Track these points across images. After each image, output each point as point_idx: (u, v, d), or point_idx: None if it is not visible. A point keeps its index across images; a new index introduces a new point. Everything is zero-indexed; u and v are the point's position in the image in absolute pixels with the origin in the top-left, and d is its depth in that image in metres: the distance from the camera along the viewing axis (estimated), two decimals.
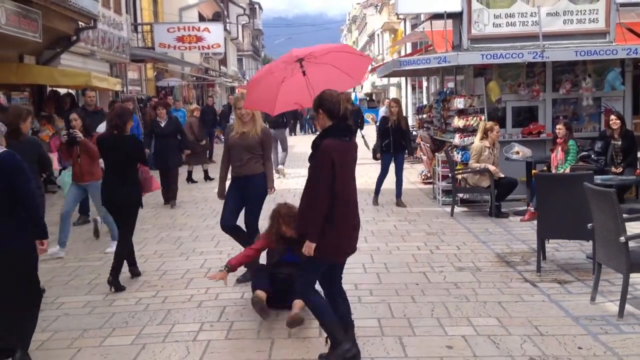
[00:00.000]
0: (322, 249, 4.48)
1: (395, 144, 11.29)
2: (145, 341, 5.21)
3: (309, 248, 4.47)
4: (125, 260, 6.90)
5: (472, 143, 10.45)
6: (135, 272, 7.14)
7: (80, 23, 15.34)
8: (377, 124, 23.59)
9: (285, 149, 17.40)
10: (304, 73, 5.50)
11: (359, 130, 20.60)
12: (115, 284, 6.59)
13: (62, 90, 15.71)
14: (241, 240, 6.82)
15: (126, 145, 6.76)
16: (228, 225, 6.77)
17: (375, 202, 11.52)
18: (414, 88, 33.14)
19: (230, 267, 5.82)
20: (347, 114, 4.57)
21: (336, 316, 4.66)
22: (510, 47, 11.17)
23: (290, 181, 15.06)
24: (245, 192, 6.70)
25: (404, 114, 11.57)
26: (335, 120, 4.55)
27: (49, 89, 15.19)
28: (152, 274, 7.25)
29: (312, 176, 4.53)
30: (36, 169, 6.65)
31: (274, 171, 7.36)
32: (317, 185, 4.47)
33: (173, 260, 7.83)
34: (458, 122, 11.06)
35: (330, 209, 4.45)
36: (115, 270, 6.65)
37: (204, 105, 26.86)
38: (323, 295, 4.83)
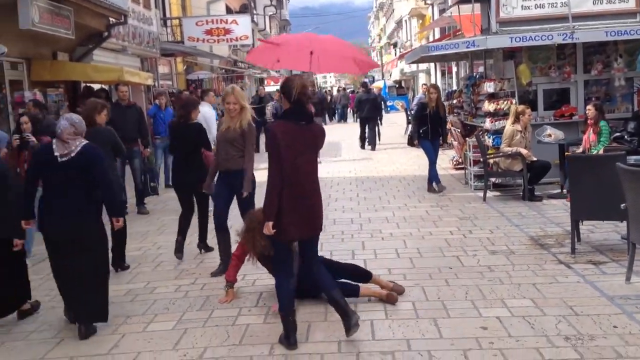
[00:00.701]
0: (275, 228, 4.68)
1: (432, 131, 11.11)
2: (187, 326, 5.37)
3: (266, 227, 4.69)
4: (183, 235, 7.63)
5: (504, 127, 10.41)
6: (207, 248, 7.81)
7: (111, 19, 15.57)
8: (410, 110, 23.84)
9: None
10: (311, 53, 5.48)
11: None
12: (205, 247, 7.79)
13: (96, 86, 15.98)
14: (222, 247, 6.82)
15: (192, 132, 7.44)
16: (221, 218, 6.73)
17: (441, 188, 11.06)
18: (443, 74, 32.95)
19: (231, 283, 6.00)
20: (302, 99, 4.73)
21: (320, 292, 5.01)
22: (539, 29, 11.09)
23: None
24: (233, 187, 6.62)
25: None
26: (291, 105, 4.72)
27: (82, 85, 15.46)
28: (190, 262, 7.42)
29: (268, 157, 4.73)
30: (112, 155, 7.26)
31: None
32: (269, 167, 4.69)
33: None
34: (488, 106, 11.03)
35: (281, 191, 4.66)
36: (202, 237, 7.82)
37: None
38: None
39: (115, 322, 5.56)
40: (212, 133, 9.14)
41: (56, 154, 5.17)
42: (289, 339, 4.84)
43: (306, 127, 4.78)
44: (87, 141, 5.34)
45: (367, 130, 19.73)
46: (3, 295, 5.58)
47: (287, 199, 4.67)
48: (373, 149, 19.23)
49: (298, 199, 4.72)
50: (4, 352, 5.07)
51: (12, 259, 5.64)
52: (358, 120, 20.62)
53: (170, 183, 9.50)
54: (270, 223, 4.67)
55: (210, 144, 7.79)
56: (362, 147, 19.68)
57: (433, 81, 34.49)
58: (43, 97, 12.84)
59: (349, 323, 4.80)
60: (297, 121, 4.74)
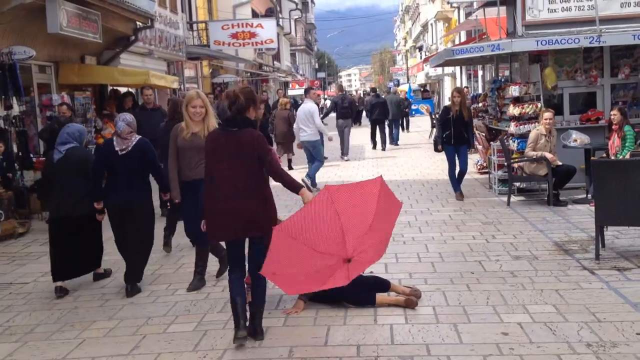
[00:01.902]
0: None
1: (456, 136, 10.76)
2: (207, 328, 5.41)
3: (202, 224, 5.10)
4: None
5: (528, 131, 10.32)
6: None
7: (138, 23, 15.78)
8: (435, 114, 24.08)
9: (347, 140, 17.83)
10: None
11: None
12: None
13: (122, 89, 16.17)
14: (200, 261, 6.62)
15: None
16: (196, 233, 6.25)
17: (460, 197, 10.88)
18: (469, 77, 32.77)
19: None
20: (238, 108, 4.98)
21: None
22: (566, 32, 10.98)
23: (344, 172, 15.11)
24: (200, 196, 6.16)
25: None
26: (230, 113, 5.05)
27: (109, 88, 15.67)
28: (211, 264, 7.44)
29: None
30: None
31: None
32: None
33: None
34: (513, 110, 10.93)
35: (206, 192, 5.02)
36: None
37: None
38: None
39: (137, 323, 5.62)
40: (317, 124, 12.40)
41: (117, 148, 6.40)
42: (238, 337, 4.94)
43: (234, 134, 4.96)
44: (140, 136, 6.56)
45: (377, 131, 20.92)
46: (81, 257, 6.77)
47: (209, 200, 4.99)
48: (383, 149, 20.45)
49: (219, 201, 4.94)
50: (26, 351, 5.14)
51: (91, 230, 6.80)
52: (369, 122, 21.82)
53: None
54: (203, 221, 5.05)
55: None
56: (374, 147, 20.85)
57: (459, 84, 34.33)
58: (71, 100, 13.03)
59: (235, 334, 4.94)
60: (228, 128, 5.01)
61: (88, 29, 12.77)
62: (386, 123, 21.46)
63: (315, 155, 12.80)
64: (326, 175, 14.65)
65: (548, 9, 11.39)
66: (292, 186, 5.05)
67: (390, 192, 5.55)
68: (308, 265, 4.97)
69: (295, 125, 13.24)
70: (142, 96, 11.83)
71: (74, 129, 6.93)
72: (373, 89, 26.32)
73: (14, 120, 11.33)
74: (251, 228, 4.99)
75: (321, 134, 12.85)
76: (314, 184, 12.52)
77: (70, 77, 13.72)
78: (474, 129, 13.44)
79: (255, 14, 33.38)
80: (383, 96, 24.69)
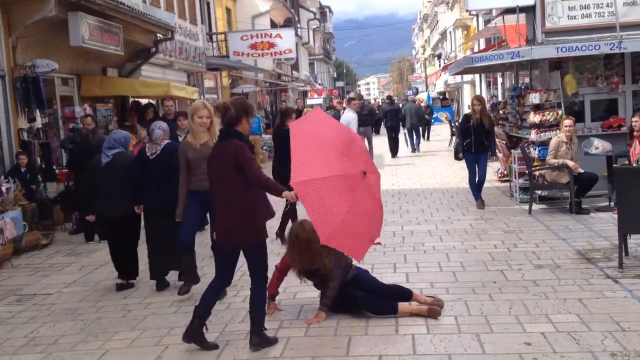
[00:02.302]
0: None
1: (476, 144, 10.69)
2: (228, 338, 5.42)
3: None
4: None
5: (549, 139, 10.25)
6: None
7: (158, 35, 15.94)
8: (454, 122, 24.10)
9: (371, 148, 17.87)
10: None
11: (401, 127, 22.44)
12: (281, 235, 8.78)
13: (143, 101, 16.33)
14: (189, 267, 6.65)
15: (287, 136, 8.33)
16: (190, 239, 6.61)
17: (481, 205, 10.79)
18: (488, 85, 32.62)
19: (273, 295, 6.03)
20: (228, 120, 5.10)
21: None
22: (586, 39, 10.91)
23: None
24: (210, 206, 5.99)
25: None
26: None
27: (131, 100, 15.83)
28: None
29: None
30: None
31: None
32: None
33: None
34: (534, 117, 10.88)
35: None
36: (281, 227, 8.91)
37: (277, 111, 27.37)
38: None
39: (159, 333, 5.65)
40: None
41: (148, 153, 6.95)
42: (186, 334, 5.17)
43: (223, 145, 5.08)
44: (169, 140, 7.07)
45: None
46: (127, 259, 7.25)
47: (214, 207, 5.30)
48: (393, 156, 20.93)
49: (215, 209, 5.26)
50: None
51: (130, 234, 7.26)
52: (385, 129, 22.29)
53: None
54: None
55: None
56: (394, 155, 21.03)
57: (478, 92, 34.17)
58: (93, 112, 13.19)
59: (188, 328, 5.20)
60: (221, 141, 5.17)
61: (109, 42, 12.93)
62: (402, 131, 21.89)
63: None
64: None
65: (568, 16, 11.34)
66: (275, 190, 5.13)
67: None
68: (341, 186, 5.11)
69: None
70: (163, 107, 11.96)
71: (120, 135, 7.41)
72: (389, 97, 26.63)
73: (37, 133, 11.49)
74: (231, 237, 5.09)
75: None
76: None
77: (93, 89, 13.90)
78: (495, 137, 13.38)
79: (274, 24, 33.54)
80: (401, 104, 24.91)
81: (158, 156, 6.89)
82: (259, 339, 5.13)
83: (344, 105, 13.77)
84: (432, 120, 33.75)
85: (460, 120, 12.92)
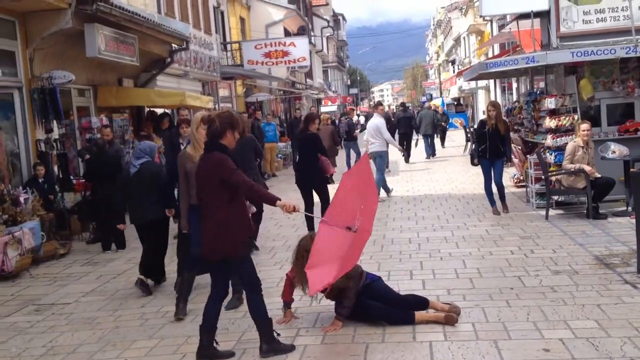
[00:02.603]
0: None
1: (491, 150, 10.64)
2: (246, 346, 5.43)
3: None
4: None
5: (565, 144, 10.19)
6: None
7: (173, 45, 16.06)
8: (469, 128, 24.19)
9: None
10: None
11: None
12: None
13: (159, 110, 16.44)
14: (185, 288, 6.59)
15: (311, 141, 9.55)
16: (197, 262, 6.45)
17: (495, 211, 10.77)
18: (503, 90, 32.50)
19: (288, 303, 6.08)
20: (220, 132, 5.13)
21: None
22: (601, 43, 10.87)
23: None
24: None
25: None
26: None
27: (146, 109, 15.95)
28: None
29: None
30: (254, 157, 8.86)
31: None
32: None
33: (267, 270, 8.04)
34: (550, 122, 10.83)
35: None
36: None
37: (291, 118, 27.44)
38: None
39: (176, 342, 5.68)
40: (385, 137, 13.13)
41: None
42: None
43: (206, 158, 5.13)
44: (149, 158, 7.42)
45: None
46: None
47: None
48: (407, 161, 21.25)
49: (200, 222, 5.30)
50: None
51: (159, 236, 7.56)
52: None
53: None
54: None
55: (326, 151, 9.95)
56: (406, 161, 21.35)
57: (493, 97, 34.05)
58: (109, 122, 13.30)
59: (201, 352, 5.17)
60: (205, 154, 5.21)
61: (125, 52, 13.04)
62: (414, 137, 22.45)
63: (378, 165, 13.26)
64: None
65: (583, 20, 11.30)
66: (267, 199, 5.14)
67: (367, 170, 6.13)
68: (340, 248, 5.38)
69: (365, 137, 14.04)
70: (179, 116, 12.01)
71: (145, 146, 7.74)
72: (402, 104, 27.03)
73: (54, 144, 11.61)
74: (209, 251, 5.13)
75: (388, 145, 13.62)
76: (388, 189, 13.80)
77: (109, 100, 14.01)
78: (510, 143, 13.31)
79: (287, 33, 33.68)
80: (415, 111, 25.12)
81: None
82: (268, 347, 5.15)
83: (358, 111, 14.47)
84: (448, 127, 33.74)
85: (475, 126, 12.89)
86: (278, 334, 5.27)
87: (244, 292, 5.40)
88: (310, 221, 9.30)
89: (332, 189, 7.83)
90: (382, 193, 13.03)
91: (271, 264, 8.37)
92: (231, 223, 5.03)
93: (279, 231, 10.63)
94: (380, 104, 14.65)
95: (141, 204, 7.36)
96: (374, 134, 13.27)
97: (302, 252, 5.79)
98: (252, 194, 5.19)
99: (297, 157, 10.02)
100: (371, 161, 12.93)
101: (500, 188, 10.94)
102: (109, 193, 9.97)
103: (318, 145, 9.63)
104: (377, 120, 13.31)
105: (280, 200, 5.03)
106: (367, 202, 5.71)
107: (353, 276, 5.79)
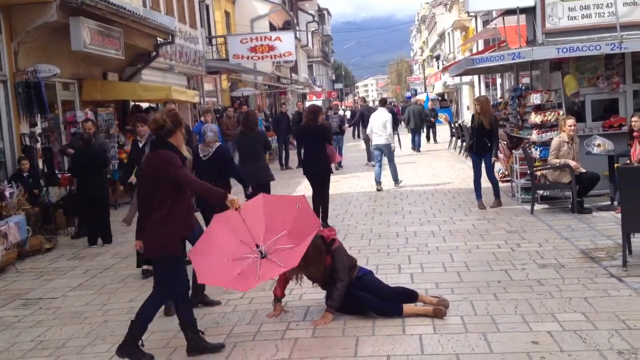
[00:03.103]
0: None
1: (478, 144, 10.75)
2: (236, 340, 5.44)
3: None
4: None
5: (551, 139, 10.28)
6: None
7: (159, 39, 15.98)
8: (454, 123, 24.38)
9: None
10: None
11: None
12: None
13: (144, 105, 16.36)
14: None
15: (318, 131, 9.92)
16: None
17: (481, 205, 10.85)
18: (487, 85, 32.69)
19: (279, 298, 6.08)
20: (165, 133, 5.10)
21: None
22: (586, 39, 10.96)
23: (365, 183, 15.08)
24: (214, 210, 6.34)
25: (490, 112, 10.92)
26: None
27: (131, 103, 15.85)
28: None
29: None
30: (262, 149, 9.73)
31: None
32: None
33: None
34: (535, 118, 10.91)
35: None
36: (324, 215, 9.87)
37: (277, 113, 27.37)
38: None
39: (167, 336, 5.67)
40: (388, 132, 13.96)
41: (201, 155, 7.57)
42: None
43: (152, 156, 5.14)
44: (220, 143, 7.72)
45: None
46: None
47: None
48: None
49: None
50: None
51: None
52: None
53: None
54: None
55: (332, 140, 10.54)
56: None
57: (477, 93, 34.23)
58: (94, 116, 13.21)
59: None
60: (150, 151, 5.26)
61: (111, 46, 12.96)
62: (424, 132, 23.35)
63: (388, 155, 14.19)
64: (346, 185, 14.68)
65: (568, 17, 11.38)
66: (215, 195, 5.18)
67: (310, 210, 6.17)
68: (227, 254, 5.47)
69: (368, 130, 15.03)
70: (164, 111, 11.95)
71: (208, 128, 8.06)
72: (382, 99, 26.97)
73: (39, 137, 11.51)
74: (147, 250, 5.17)
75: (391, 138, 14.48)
76: (397, 179, 14.40)
77: (93, 94, 13.92)
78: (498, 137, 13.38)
79: (272, 27, 33.60)
80: (400, 106, 25.34)
81: (210, 158, 7.53)
82: (120, 352, 5.07)
83: (342, 106, 15.47)
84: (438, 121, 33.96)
85: (460, 122, 13.05)
86: (142, 345, 5.13)
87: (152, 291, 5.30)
88: (317, 209, 9.69)
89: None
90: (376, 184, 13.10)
91: None
92: (168, 222, 4.98)
93: None
94: (385, 99, 16.04)
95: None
96: (382, 127, 13.87)
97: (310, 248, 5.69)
98: (200, 191, 5.27)
99: (302, 149, 10.43)
100: (377, 152, 14.34)
101: (493, 183, 10.98)
102: (94, 187, 9.95)
103: (328, 135, 10.09)
104: (385, 116, 13.98)
105: (228, 195, 5.12)
106: (298, 238, 5.58)
107: (348, 267, 5.84)
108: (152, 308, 5.18)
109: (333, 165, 11.18)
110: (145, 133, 8.54)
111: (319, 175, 9.99)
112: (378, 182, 13.99)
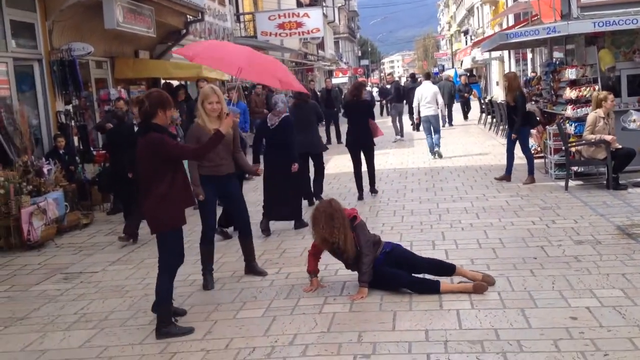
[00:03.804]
0: None
1: (509, 121, 11.11)
2: (275, 314, 5.52)
3: None
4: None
5: (586, 114, 10.15)
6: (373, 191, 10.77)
7: (189, 17, 16.02)
8: (483, 99, 24.38)
9: (401, 125, 19.56)
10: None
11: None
12: (372, 190, 10.78)
13: (175, 83, 16.45)
14: (207, 259, 6.53)
15: (364, 107, 10.61)
16: (213, 234, 6.67)
17: (501, 177, 11.25)
18: (517, 61, 32.21)
19: (314, 272, 6.11)
20: (145, 114, 5.19)
21: None
22: (622, 12, 10.75)
23: (395, 160, 15.04)
24: (226, 191, 6.56)
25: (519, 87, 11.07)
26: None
27: (162, 81, 15.95)
28: (272, 252, 7.60)
29: None
30: (316, 120, 10.54)
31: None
32: None
33: (291, 239, 8.15)
34: (570, 93, 10.77)
35: None
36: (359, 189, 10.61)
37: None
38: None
39: (206, 309, 5.77)
40: (440, 102, 15.07)
41: (269, 124, 8.52)
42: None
43: (143, 139, 5.19)
44: (287, 114, 8.68)
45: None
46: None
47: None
48: (417, 129, 21.05)
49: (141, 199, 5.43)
50: (103, 338, 5.34)
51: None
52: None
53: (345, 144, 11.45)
54: None
55: (374, 115, 10.97)
56: (417, 129, 21.27)
57: (507, 68, 33.77)
58: (127, 94, 13.34)
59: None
60: (141, 135, 5.26)
61: (142, 24, 13.05)
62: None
63: (435, 126, 15.11)
64: (376, 162, 14.65)
65: None
66: (212, 143, 5.37)
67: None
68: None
69: (415, 102, 15.60)
70: (198, 89, 12.04)
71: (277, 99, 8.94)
72: (412, 74, 27.51)
73: (74, 115, 11.67)
74: (152, 225, 5.29)
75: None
76: (437, 148, 15.14)
77: (126, 72, 14.05)
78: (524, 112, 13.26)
79: (299, 4, 33.45)
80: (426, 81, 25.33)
81: (277, 127, 8.41)
82: (166, 330, 5.20)
83: (428, 80, 16.07)
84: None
85: (489, 98, 13.09)
86: (176, 320, 5.36)
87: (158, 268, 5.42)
88: (360, 180, 10.55)
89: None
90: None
91: (293, 234, 8.46)
92: (174, 195, 5.17)
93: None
94: (429, 74, 17.12)
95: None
96: (431, 99, 14.90)
97: (316, 214, 5.86)
98: (198, 154, 5.56)
99: (347, 122, 10.90)
100: (426, 124, 15.13)
101: (527, 159, 11.02)
102: (127, 164, 10.05)
103: (371, 111, 10.75)
104: (434, 88, 15.14)
105: (219, 130, 5.35)
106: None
107: (371, 241, 5.92)
108: (166, 282, 5.33)
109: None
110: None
111: (366, 147, 10.49)
112: (433, 152, 14.98)
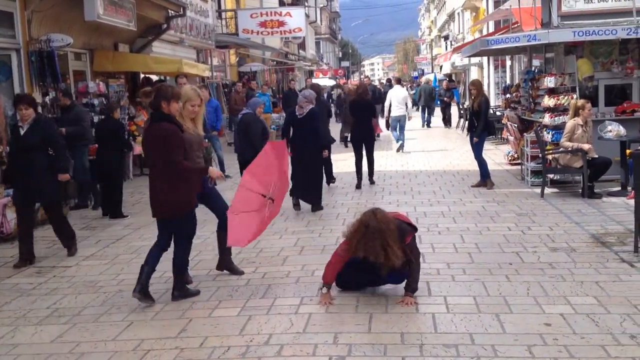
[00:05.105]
0: None
1: (469, 126, 11.67)
2: (250, 313, 5.49)
3: None
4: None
5: (564, 122, 10.26)
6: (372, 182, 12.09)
7: (170, 11, 15.90)
8: (461, 104, 24.97)
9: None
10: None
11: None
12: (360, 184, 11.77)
13: (154, 77, 16.33)
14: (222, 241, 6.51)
15: (368, 106, 11.83)
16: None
17: (481, 184, 11.28)
18: (496, 67, 32.49)
19: (328, 284, 5.75)
20: (157, 102, 5.62)
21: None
22: (602, 23, 10.89)
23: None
24: (203, 189, 6.33)
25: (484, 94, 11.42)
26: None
27: (142, 76, 15.82)
28: (249, 251, 7.54)
29: None
30: (326, 115, 12.31)
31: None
32: None
33: (267, 239, 8.09)
34: (548, 101, 10.88)
35: None
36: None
37: (286, 90, 27.29)
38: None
39: (182, 307, 5.72)
40: (409, 106, 17.26)
41: (297, 113, 9.61)
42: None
43: (156, 127, 5.61)
44: (313, 105, 9.65)
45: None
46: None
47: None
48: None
49: (150, 185, 5.81)
50: (75, 333, 5.27)
51: None
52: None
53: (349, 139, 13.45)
54: None
55: (377, 115, 12.76)
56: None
57: (486, 75, 34.07)
58: (105, 87, 13.20)
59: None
60: (153, 123, 5.69)
61: (123, 17, 12.92)
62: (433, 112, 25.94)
63: (402, 125, 17.04)
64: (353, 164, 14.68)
65: (584, 0, 11.29)
66: (197, 170, 5.90)
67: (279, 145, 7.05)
68: (252, 206, 6.20)
69: (387, 103, 17.11)
70: (177, 85, 11.95)
71: (251, 101, 9.88)
72: (389, 79, 29.17)
73: (51, 107, 11.50)
74: (156, 212, 5.80)
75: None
76: (402, 144, 17.07)
77: (105, 65, 13.89)
78: (506, 120, 13.39)
79: (282, 3, 33.38)
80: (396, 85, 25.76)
81: (304, 117, 9.49)
82: (179, 293, 5.88)
83: (398, 85, 18.34)
84: (437, 102, 34.01)
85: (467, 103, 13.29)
86: (187, 283, 6.08)
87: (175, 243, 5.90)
88: (360, 170, 11.70)
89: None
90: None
91: (270, 233, 8.37)
92: (185, 180, 5.66)
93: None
94: (400, 79, 19.57)
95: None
96: (401, 101, 16.82)
97: (362, 228, 5.45)
98: (185, 171, 5.68)
99: (353, 120, 12.09)
100: (395, 123, 16.88)
101: (479, 164, 11.26)
102: (109, 158, 9.94)
103: (374, 110, 12.22)
104: (404, 92, 17.50)
105: (209, 167, 6.08)
106: (281, 182, 6.50)
107: (418, 255, 5.82)
108: (183, 254, 5.92)
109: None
110: (28, 117, 7.52)
111: (368, 141, 11.81)
112: (397, 142, 17.01)
